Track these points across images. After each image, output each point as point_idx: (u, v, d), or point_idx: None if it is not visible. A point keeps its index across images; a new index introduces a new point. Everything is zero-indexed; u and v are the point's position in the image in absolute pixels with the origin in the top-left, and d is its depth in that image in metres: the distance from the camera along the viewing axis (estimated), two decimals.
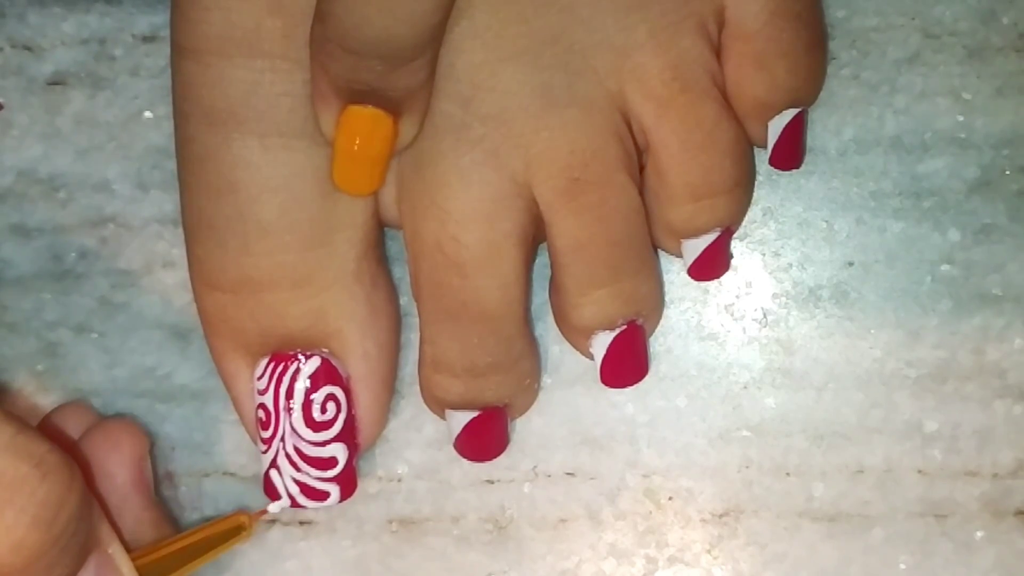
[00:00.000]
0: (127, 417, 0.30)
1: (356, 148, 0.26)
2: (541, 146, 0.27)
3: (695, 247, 0.29)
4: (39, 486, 0.22)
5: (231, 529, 0.28)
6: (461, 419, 0.29)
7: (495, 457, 0.30)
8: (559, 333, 0.30)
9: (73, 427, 0.29)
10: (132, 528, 0.27)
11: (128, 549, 0.26)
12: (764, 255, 0.31)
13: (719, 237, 0.29)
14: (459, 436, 0.29)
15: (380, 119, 0.25)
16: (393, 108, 0.25)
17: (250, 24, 0.26)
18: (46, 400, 0.31)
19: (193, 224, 0.28)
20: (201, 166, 0.27)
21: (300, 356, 0.28)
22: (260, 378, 0.28)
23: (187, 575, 0.27)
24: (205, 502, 0.31)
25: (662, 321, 0.30)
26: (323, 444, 0.28)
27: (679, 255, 0.29)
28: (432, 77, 0.26)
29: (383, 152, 0.26)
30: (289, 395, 0.28)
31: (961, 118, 0.30)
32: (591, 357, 0.29)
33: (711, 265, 0.29)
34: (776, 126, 0.28)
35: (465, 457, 0.30)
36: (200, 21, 0.26)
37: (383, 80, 0.25)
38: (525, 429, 0.30)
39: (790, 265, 0.31)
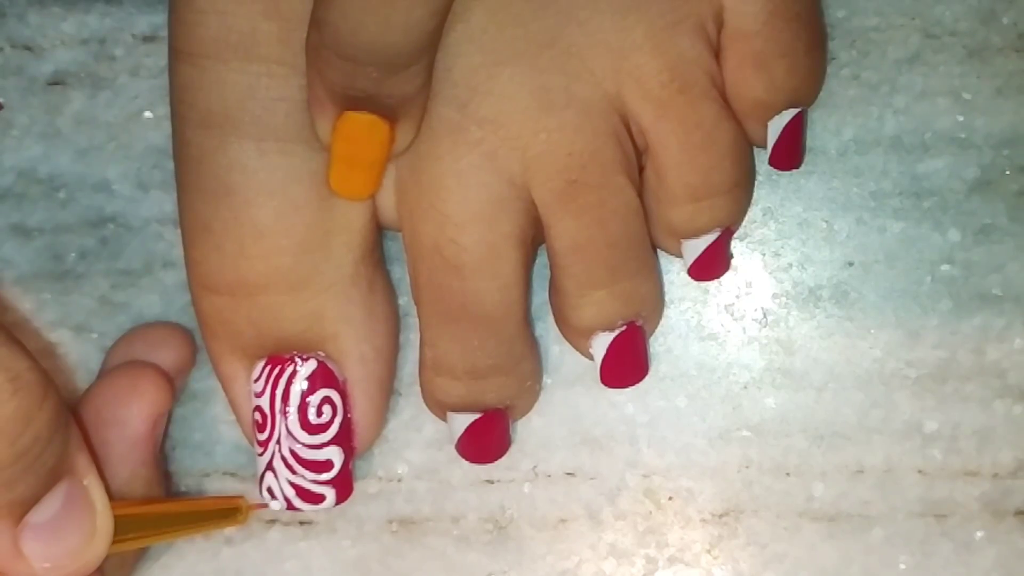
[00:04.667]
0: (152, 368, 0.29)
1: (352, 154, 0.26)
2: (539, 148, 0.27)
3: (695, 247, 0.29)
4: (8, 400, 0.22)
5: (225, 510, 0.28)
6: (463, 421, 0.29)
7: (497, 459, 0.30)
8: (559, 333, 0.30)
9: (165, 353, 0.29)
10: (127, 479, 0.27)
11: (112, 498, 0.25)
12: (764, 255, 0.31)
13: (719, 237, 0.29)
14: (461, 438, 0.29)
15: (376, 125, 0.25)
16: (389, 114, 0.25)
17: (246, 28, 0.26)
18: None
19: (190, 227, 0.28)
20: (197, 169, 0.27)
21: (296, 359, 0.28)
22: (256, 380, 0.28)
23: (167, 541, 0.27)
24: None
25: (662, 321, 0.30)
26: (318, 447, 0.28)
27: (679, 255, 0.29)
28: (429, 83, 0.26)
29: (379, 158, 0.26)
30: (285, 398, 0.28)
31: (961, 118, 0.30)
32: (591, 358, 0.29)
33: (711, 265, 0.29)
34: (776, 126, 0.28)
35: (467, 459, 0.30)
36: (196, 24, 0.26)
37: (379, 87, 0.25)
38: (525, 429, 0.30)
39: (790, 265, 0.31)
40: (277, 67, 0.26)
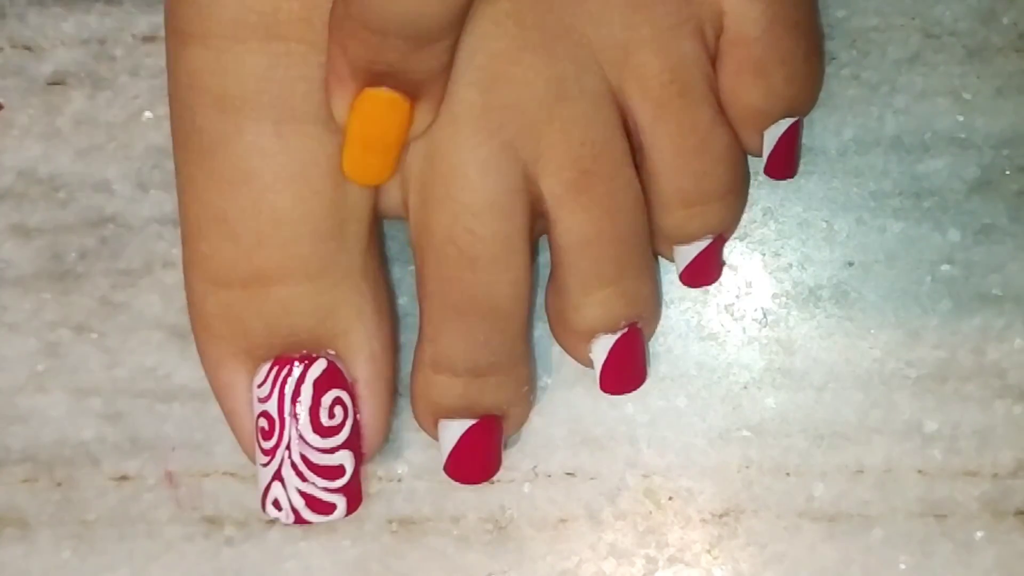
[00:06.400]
0: None
1: (369, 134, 0.25)
2: (553, 137, 0.27)
3: (687, 253, 0.29)
4: None
5: None
6: (457, 429, 0.28)
7: (488, 477, 0.29)
8: None
9: None
10: None
11: None
12: (764, 255, 0.31)
13: (711, 244, 0.29)
14: (454, 449, 0.28)
15: (397, 103, 0.25)
16: (412, 91, 0.25)
17: (267, 8, 0.25)
18: (46, 400, 0.31)
19: (199, 220, 0.27)
20: (211, 157, 0.26)
21: (305, 359, 0.27)
22: (261, 385, 0.27)
23: None
24: (205, 502, 0.31)
25: (662, 321, 0.30)
26: (331, 451, 0.27)
27: (671, 260, 0.29)
28: (452, 62, 0.25)
29: (397, 139, 0.25)
30: (295, 399, 0.27)
31: (961, 118, 0.30)
32: (589, 363, 0.29)
33: (703, 272, 0.29)
34: (772, 135, 0.28)
35: (457, 476, 0.29)
36: (212, 5, 0.25)
37: (405, 61, 0.24)
38: (525, 429, 0.30)
39: (790, 265, 0.31)
40: (296, 45, 0.25)
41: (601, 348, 0.28)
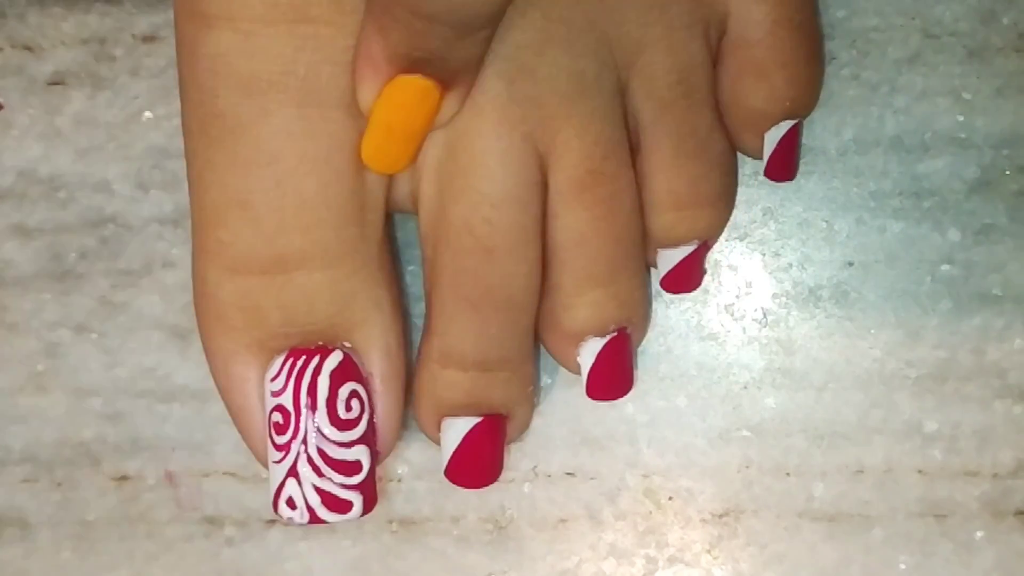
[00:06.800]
0: None
1: (395, 121, 0.25)
2: (569, 133, 0.26)
3: (671, 258, 0.29)
4: None
5: None
6: (462, 428, 0.28)
7: (490, 482, 0.28)
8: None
9: None
10: None
11: None
12: (764, 255, 0.31)
13: (695, 251, 0.29)
14: (457, 449, 0.28)
15: (429, 91, 0.24)
16: (447, 79, 0.24)
17: None
18: (46, 400, 0.31)
19: (218, 206, 0.26)
20: (234, 141, 0.26)
21: (321, 350, 0.26)
22: (275, 378, 0.26)
23: None
24: (205, 502, 0.31)
25: (662, 321, 0.30)
26: (348, 445, 0.26)
27: (654, 264, 0.29)
28: (487, 52, 0.25)
29: (422, 127, 0.25)
30: (312, 391, 0.26)
31: (961, 118, 0.30)
32: (576, 369, 0.28)
33: (684, 278, 0.29)
34: (773, 137, 0.28)
35: (458, 479, 0.28)
36: None
37: (447, 49, 0.24)
38: None
39: (790, 265, 0.31)
40: (324, 28, 0.25)
41: (589, 352, 0.28)
